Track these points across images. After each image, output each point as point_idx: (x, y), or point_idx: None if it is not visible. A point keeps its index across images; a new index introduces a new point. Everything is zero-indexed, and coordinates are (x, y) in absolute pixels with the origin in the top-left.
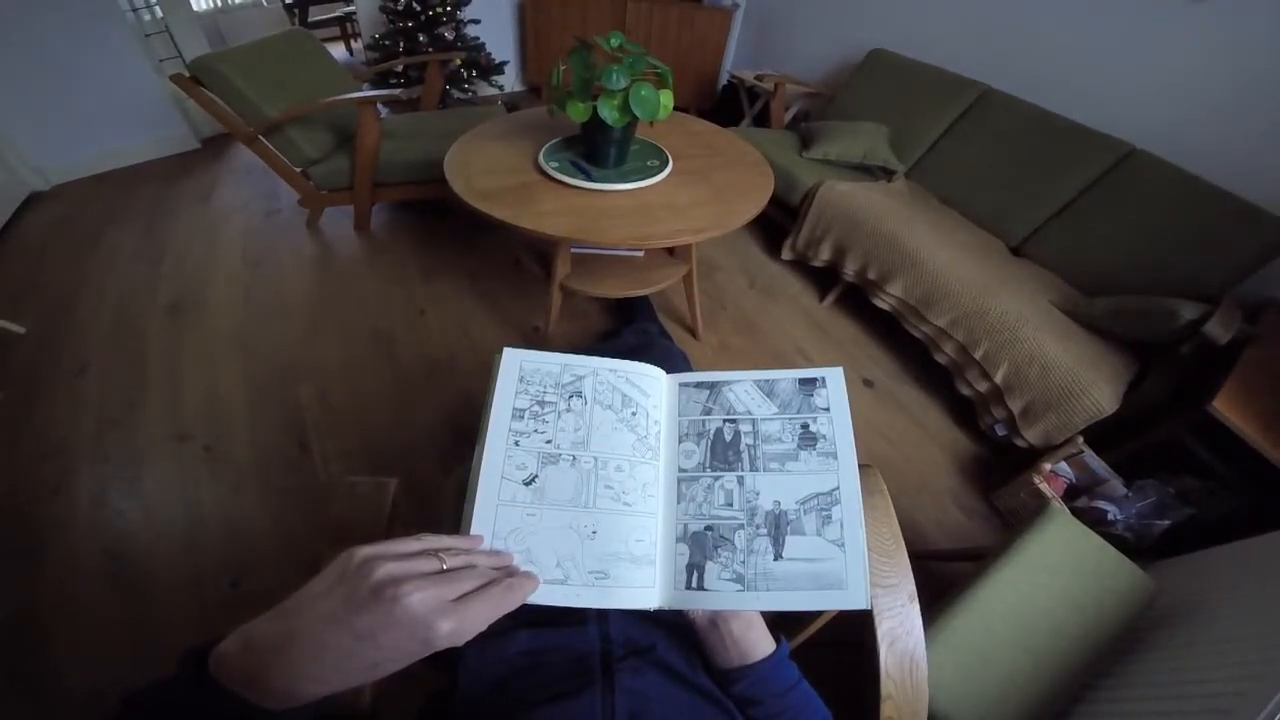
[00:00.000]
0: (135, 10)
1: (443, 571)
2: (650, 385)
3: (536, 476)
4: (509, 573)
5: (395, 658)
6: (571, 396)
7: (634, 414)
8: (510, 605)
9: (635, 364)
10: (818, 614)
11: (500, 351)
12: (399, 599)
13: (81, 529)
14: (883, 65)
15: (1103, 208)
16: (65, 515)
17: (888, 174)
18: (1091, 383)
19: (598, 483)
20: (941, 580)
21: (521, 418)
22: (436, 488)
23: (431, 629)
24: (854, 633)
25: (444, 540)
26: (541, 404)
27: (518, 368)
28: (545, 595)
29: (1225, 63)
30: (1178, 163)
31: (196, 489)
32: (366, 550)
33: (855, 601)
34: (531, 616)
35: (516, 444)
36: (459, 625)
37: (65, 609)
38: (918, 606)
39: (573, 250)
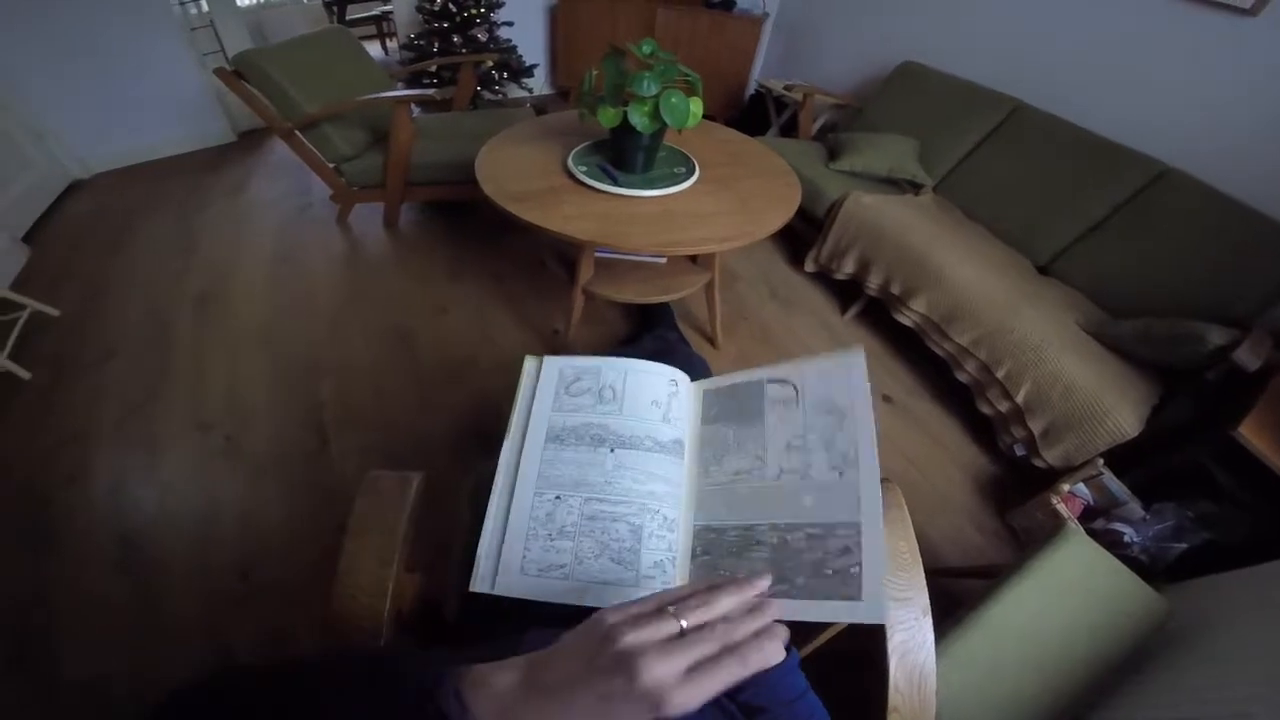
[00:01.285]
0: (182, 4)
1: (682, 634)
2: (677, 388)
3: (573, 480)
4: (751, 627)
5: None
6: (605, 392)
7: (664, 417)
8: (745, 673)
9: (663, 366)
10: (828, 624)
11: (527, 355)
12: (639, 672)
13: (98, 515)
14: (913, 78)
15: (1134, 228)
16: (81, 501)
17: (915, 188)
18: (1114, 405)
19: (629, 482)
20: (954, 597)
21: (560, 411)
22: (453, 486)
23: (664, 701)
24: (862, 644)
25: (683, 600)
26: (577, 398)
27: (557, 373)
28: (563, 595)
29: (1267, 82)
30: (1213, 184)
31: (214, 479)
32: (613, 618)
33: (872, 614)
34: (543, 616)
35: (553, 445)
36: (688, 699)
37: (76, 596)
38: (930, 621)
39: (597, 254)
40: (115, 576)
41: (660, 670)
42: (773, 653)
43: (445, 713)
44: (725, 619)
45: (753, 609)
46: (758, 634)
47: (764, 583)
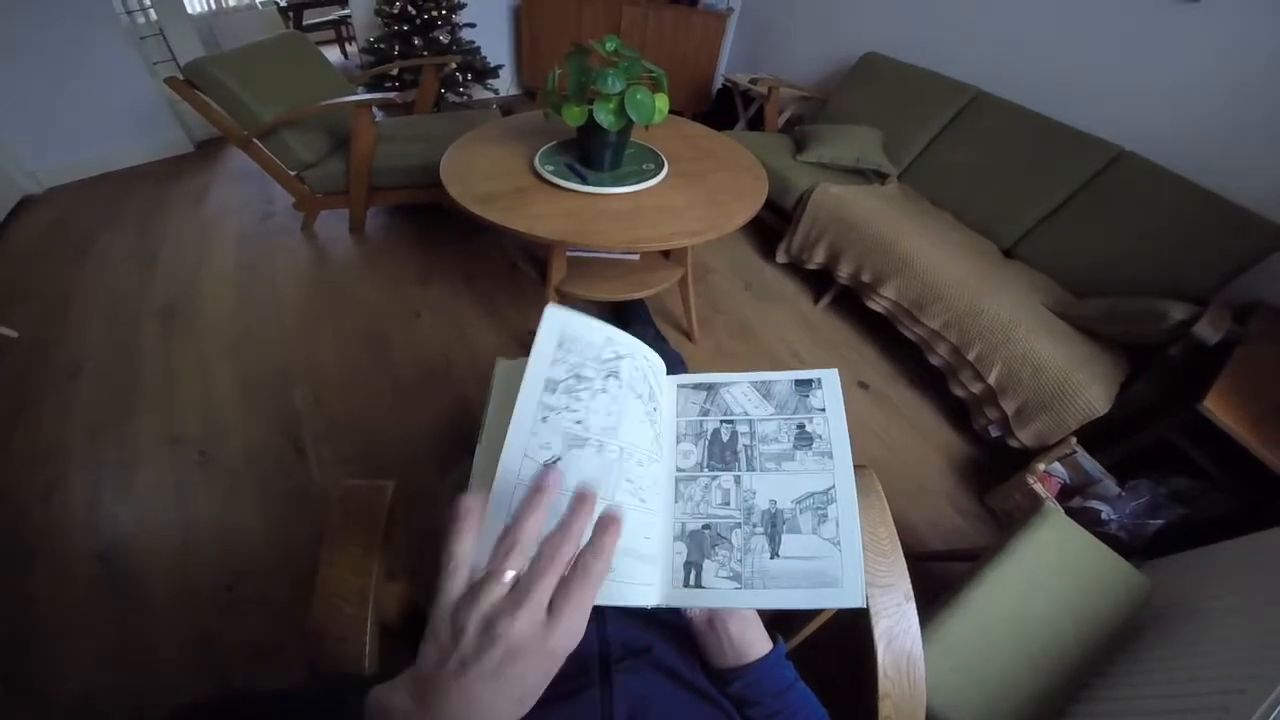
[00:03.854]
0: (130, 13)
1: (515, 586)
2: (663, 381)
3: (560, 459)
4: (579, 535)
5: (537, 680)
6: (609, 376)
7: (655, 409)
8: (598, 579)
9: (659, 357)
10: (814, 614)
11: (500, 356)
12: (502, 636)
13: (75, 533)
14: (876, 69)
15: (1093, 210)
16: (58, 520)
17: (881, 177)
18: (1084, 383)
19: (620, 475)
20: (937, 581)
21: (554, 391)
22: (433, 490)
23: (546, 646)
24: (851, 633)
25: (496, 535)
26: (578, 378)
27: (558, 332)
28: None
29: (1215, 65)
30: (1167, 165)
31: (191, 493)
32: (448, 608)
33: (851, 599)
34: None
35: (544, 420)
36: (567, 628)
37: (57, 614)
38: (914, 606)
39: (568, 253)
40: (98, 594)
41: (521, 622)
42: (608, 545)
43: None
44: (551, 541)
45: (579, 504)
46: (591, 542)
47: (553, 478)
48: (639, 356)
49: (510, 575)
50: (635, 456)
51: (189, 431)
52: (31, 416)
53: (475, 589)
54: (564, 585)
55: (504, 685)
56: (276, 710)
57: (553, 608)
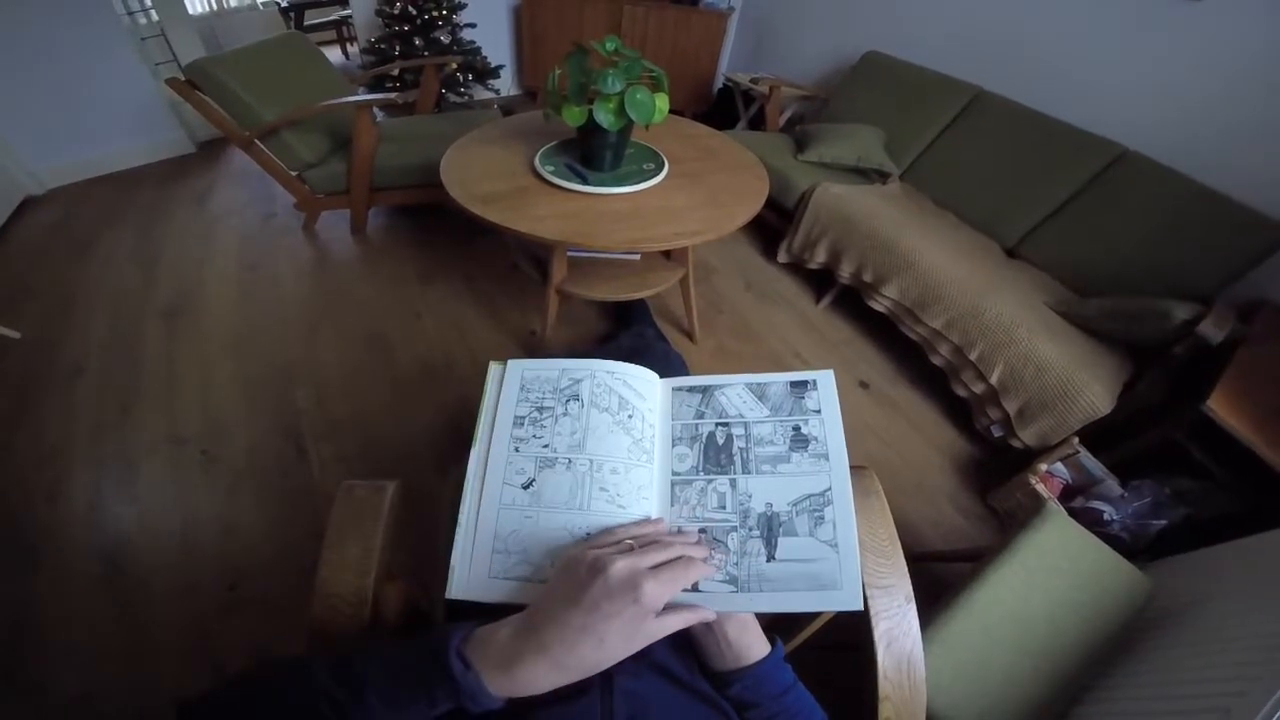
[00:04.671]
0: (131, 14)
1: (634, 549)
2: (645, 388)
3: (534, 480)
4: (689, 551)
5: (617, 636)
6: (569, 400)
7: (630, 416)
8: (692, 576)
9: (631, 366)
10: (813, 616)
11: (493, 360)
12: (606, 568)
13: (77, 533)
14: (877, 68)
15: (1096, 209)
16: (61, 519)
17: (883, 177)
18: (1086, 383)
19: (593, 485)
20: (939, 582)
21: (521, 425)
22: (434, 490)
23: (638, 588)
24: (851, 635)
25: (631, 530)
26: (540, 410)
27: (519, 379)
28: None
29: (1219, 63)
30: (1171, 164)
31: (193, 493)
32: (574, 550)
33: (849, 602)
34: None
35: (516, 450)
36: (657, 586)
37: (60, 614)
38: (914, 607)
39: (569, 254)
40: (101, 593)
41: (625, 564)
42: (708, 567)
43: (449, 670)
44: (667, 539)
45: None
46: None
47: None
48: (599, 374)
49: (631, 543)
50: (609, 465)
51: (191, 431)
52: (34, 416)
53: (630, 553)
54: (669, 564)
55: (592, 624)
56: (390, 661)
57: (654, 571)
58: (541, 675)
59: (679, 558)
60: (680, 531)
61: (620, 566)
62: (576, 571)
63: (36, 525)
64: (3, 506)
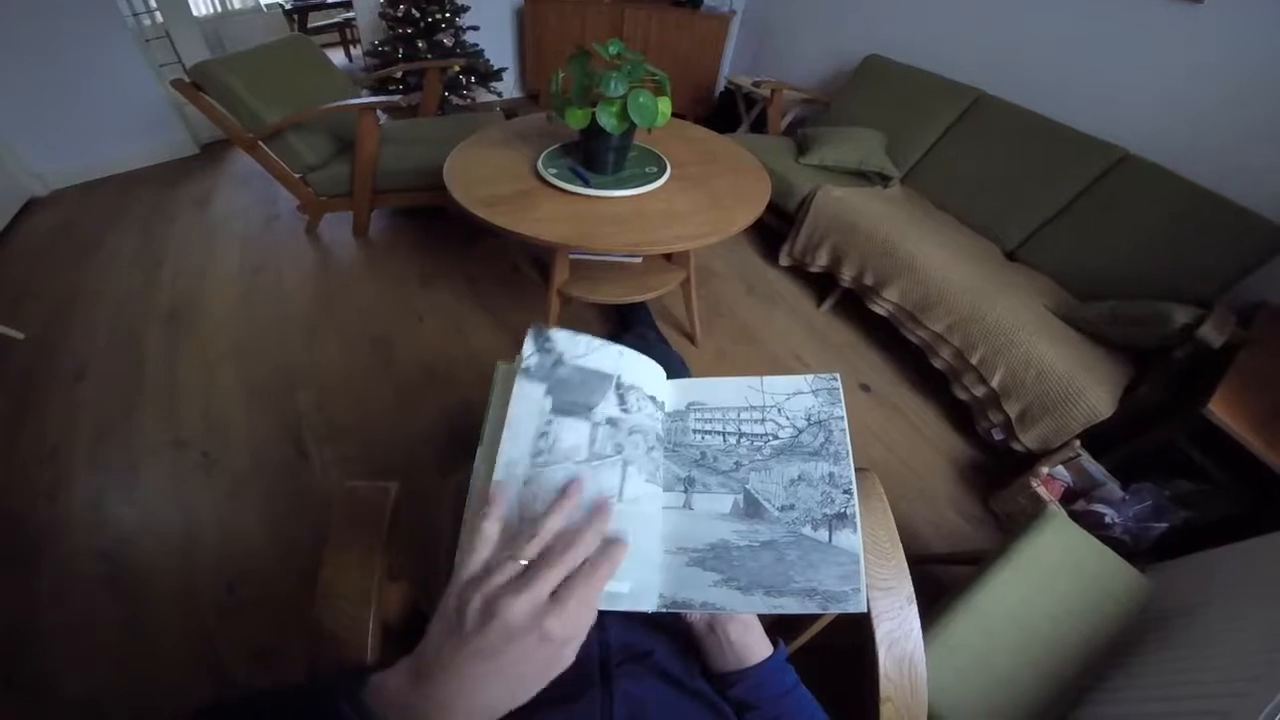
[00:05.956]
0: (136, 15)
1: (524, 571)
2: (658, 387)
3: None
4: (592, 541)
5: (533, 671)
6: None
7: (644, 412)
8: (602, 582)
9: (654, 364)
10: (815, 618)
11: (500, 360)
12: (502, 612)
13: (77, 535)
14: (878, 71)
15: (1097, 212)
16: (61, 521)
17: (884, 180)
18: (1087, 387)
19: (626, 481)
20: (939, 584)
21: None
22: (435, 493)
23: (543, 630)
24: (852, 636)
25: (521, 540)
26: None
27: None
28: None
29: (1220, 66)
30: (1171, 167)
31: (194, 495)
32: (459, 583)
33: (852, 605)
34: None
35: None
36: (565, 618)
37: (60, 615)
38: (916, 609)
39: (571, 256)
40: (102, 594)
41: (521, 604)
42: (618, 556)
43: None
44: (565, 539)
45: (595, 514)
46: (602, 549)
47: (576, 486)
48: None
49: (523, 563)
50: (633, 465)
51: (192, 433)
52: (36, 417)
53: (488, 568)
54: (569, 580)
55: (498, 669)
56: (277, 709)
57: (556, 597)
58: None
59: (584, 563)
60: (568, 500)
61: (517, 610)
62: (464, 618)
63: (37, 524)
64: (4, 506)
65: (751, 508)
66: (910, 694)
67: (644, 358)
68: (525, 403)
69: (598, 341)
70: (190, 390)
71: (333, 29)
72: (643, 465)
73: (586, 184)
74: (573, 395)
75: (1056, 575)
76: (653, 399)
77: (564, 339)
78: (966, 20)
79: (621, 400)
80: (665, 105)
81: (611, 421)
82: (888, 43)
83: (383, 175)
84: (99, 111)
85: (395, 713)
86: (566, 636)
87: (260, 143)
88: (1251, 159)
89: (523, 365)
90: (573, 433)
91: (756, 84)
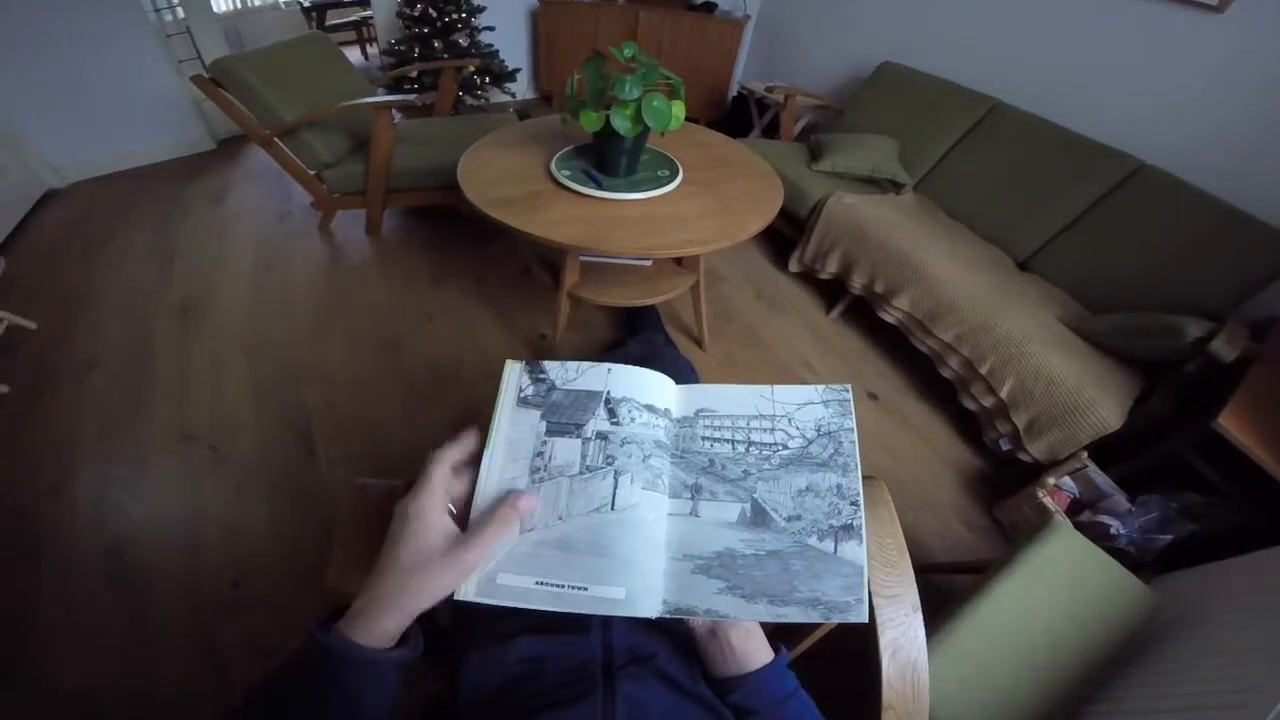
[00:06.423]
0: (157, 11)
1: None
2: (663, 399)
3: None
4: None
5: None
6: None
7: (650, 424)
8: (501, 527)
9: (651, 373)
10: (817, 625)
11: (509, 358)
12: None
13: (82, 527)
14: (893, 78)
15: (1110, 224)
16: (66, 513)
17: (896, 187)
18: (1097, 399)
19: (619, 490)
20: (943, 593)
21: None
22: None
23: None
24: (855, 643)
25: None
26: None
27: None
28: (549, 602)
29: (1238, 77)
30: (1188, 179)
31: (200, 489)
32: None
33: (853, 614)
34: (534, 623)
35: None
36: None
37: (62, 608)
38: (920, 617)
39: (581, 258)
40: (104, 588)
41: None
42: (518, 513)
43: (325, 646)
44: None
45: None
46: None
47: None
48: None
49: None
50: (630, 473)
51: (200, 428)
52: (45, 408)
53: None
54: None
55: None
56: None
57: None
58: (404, 604)
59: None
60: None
61: (434, 468)
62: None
63: (41, 518)
64: (8, 498)
65: (758, 517)
66: (912, 702)
67: (637, 369)
68: (523, 428)
69: (586, 365)
70: (200, 384)
71: (350, 27)
72: (639, 473)
73: (599, 186)
74: (564, 416)
75: (1060, 586)
76: (649, 408)
77: (555, 368)
78: (983, 28)
79: (612, 414)
80: (679, 109)
81: (602, 435)
82: (903, 50)
83: (396, 174)
84: (118, 106)
85: (356, 619)
86: (461, 560)
87: (276, 139)
88: (1270, 171)
89: (521, 395)
90: (565, 450)
91: (769, 89)
